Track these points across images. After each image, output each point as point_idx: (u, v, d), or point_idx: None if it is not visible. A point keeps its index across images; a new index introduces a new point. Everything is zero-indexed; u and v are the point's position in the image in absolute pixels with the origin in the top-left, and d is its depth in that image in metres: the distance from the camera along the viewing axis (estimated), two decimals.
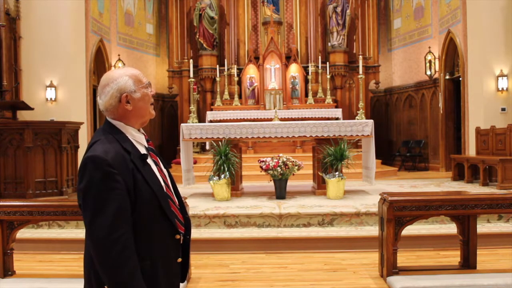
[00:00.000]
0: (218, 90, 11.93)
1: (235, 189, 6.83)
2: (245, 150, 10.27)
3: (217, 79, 11.89)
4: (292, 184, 7.31)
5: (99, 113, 9.88)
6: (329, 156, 6.48)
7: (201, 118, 11.68)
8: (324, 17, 12.34)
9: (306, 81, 11.97)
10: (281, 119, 8.78)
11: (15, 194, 6.68)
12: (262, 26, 12.33)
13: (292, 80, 11.95)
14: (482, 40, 9.19)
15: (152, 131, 12.39)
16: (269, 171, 6.52)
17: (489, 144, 8.43)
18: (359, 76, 10.13)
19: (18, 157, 6.76)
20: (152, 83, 13.00)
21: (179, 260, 1.85)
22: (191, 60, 10.44)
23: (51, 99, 9.04)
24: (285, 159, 6.55)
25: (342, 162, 6.49)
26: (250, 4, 12.56)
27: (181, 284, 1.94)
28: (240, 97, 11.98)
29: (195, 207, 5.82)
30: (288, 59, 11.89)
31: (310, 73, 11.84)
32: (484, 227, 5.20)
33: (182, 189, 6.95)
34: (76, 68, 9.40)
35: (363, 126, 6.86)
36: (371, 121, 6.98)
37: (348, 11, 11.84)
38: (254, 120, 10.61)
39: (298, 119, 10.66)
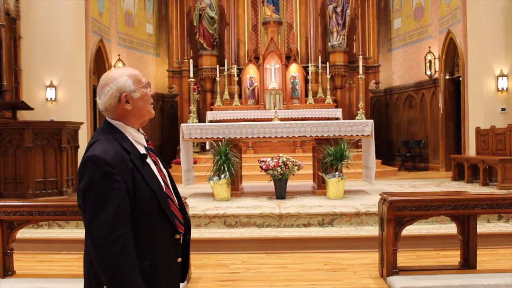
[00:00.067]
0: (218, 90, 11.92)
1: (235, 189, 6.83)
2: (245, 150, 10.27)
3: (217, 79, 11.89)
4: (292, 184, 7.31)
5: (99, 113, 9.88)
6: (329, 156, 6.48)
7: (201, 118, 11.67)
8: (324, 17, 12.34)
9: (306, 81, 11.97)
10: (281, 119, 8.78)
11: (15, 194, 6.68)
12: (262, 26, 12.33)
13: (292, 80, 11.95)
14: (482, 40, 9.19)
15: (152, 131, 12.39)
16: (269, 171, 6.52)
17: (489, 144, 8.43)
18: (359, 76, 10.13)
19: (18, 157, 6.76)
20: (152, 83, 13.05)
21: (179, 260, 1.84)
22: (191, 60, 10.45)
23: (51, 99, 9.04)
24: (285, 159, 6.55)
25: (342, 162, 6.49)
26: (250, 4, 12.56)
27: (181, 284, 1.94)
28: (240, 97, 11.98)
29: (195, 207, 5.82)
30: (288, 59, 11.88)
31: (310, 73, 11.84)
32: (484, 227, 5.20)
33: (182, 189, 6.95)
34: (76, 68, 9.40)
35: (363, 126, 6.86)
36: (371, 121, 6.99)
37: (348, 11, 11.84)
38: (254, 120, 10.61)
39: (298, 119, 10.66)
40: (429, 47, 11.44)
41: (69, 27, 9.19)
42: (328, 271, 4.34)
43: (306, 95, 11.89)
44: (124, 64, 11.41)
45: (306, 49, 12.36)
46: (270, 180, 6.72)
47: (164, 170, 1.88)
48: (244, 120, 10.47)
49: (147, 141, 1.86)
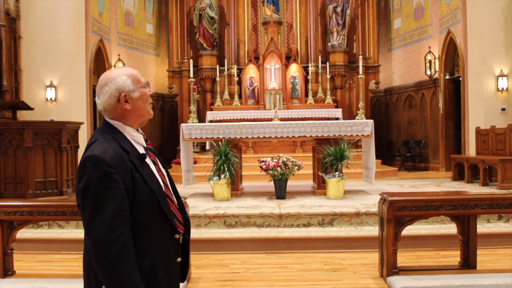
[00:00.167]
0: (218, 90, 11.92)
1: (235, 189, 6.83)
2: (245, 150, 10.27)
3: (217, 79, 11.89)
4: (292, 184, 7.31)
5: (99, 113, 9.87)
6: (329, 156, 6.48)
7: (201, 118, 11.67)
8: (324, 17, 12.34)
9: (306, 81, 11.97)
10: (281, 119, 8.78)
11: (15, 194, 6.68)
12: (262, 26, 12.33)
13: (292, 80, 11.95)
14: (482, 40, 9.18)
15: (152, 131, 12.39)
16: (269, 171, 6.52)
17: (489, 144, 8.43)
18: (359, 76, 10.13)
19: (18, 157, 6.75)
20: (152, 83, 13.03)
21: (179, 259, 1.84)
22: (191, 60, 10.45)
23: (51, 99, 9.04)
24: (285, 159, 6.55)
25: (342, 162, 6.49)
26: (250, 4, 12.56)
27: (181, 284, 1.94)
28: (240, 97, 11.98)
29: (195, 207, 5.82)
30: (288, 59, 11.89)
31: (310, 73, 11.84)
32: (484, 227, 5.19)
33: (182, 189, 6.96)
34: (76, 68, 9.40)
35: (363, 126, 6.86)
36: (371, 121, 6.98)
37: (348, 11, 11.84)
38: (254, 120, 10.61)
39: (298, 119, 10.66)
40: (429, 47, 11.44)
41: (69, 27, 9.19)
42: (328, 271, 4.34)
43: (306, 95, 11.89)
44: (124, 64, 11.41)
45: (306, 49, 12.36)
46: (270, 180, 6.72)
47: (163, 170, 1.88)
48: (244, 120, 10.46)
49: (146, 141, 1.86)
